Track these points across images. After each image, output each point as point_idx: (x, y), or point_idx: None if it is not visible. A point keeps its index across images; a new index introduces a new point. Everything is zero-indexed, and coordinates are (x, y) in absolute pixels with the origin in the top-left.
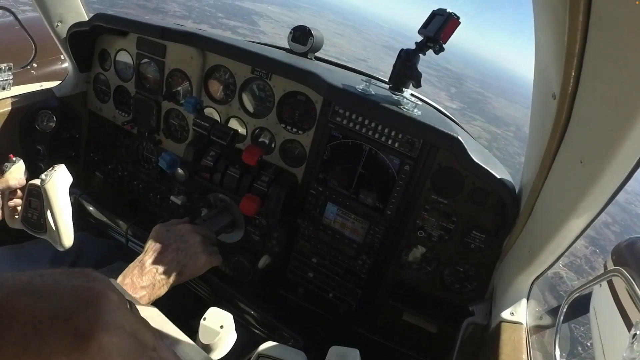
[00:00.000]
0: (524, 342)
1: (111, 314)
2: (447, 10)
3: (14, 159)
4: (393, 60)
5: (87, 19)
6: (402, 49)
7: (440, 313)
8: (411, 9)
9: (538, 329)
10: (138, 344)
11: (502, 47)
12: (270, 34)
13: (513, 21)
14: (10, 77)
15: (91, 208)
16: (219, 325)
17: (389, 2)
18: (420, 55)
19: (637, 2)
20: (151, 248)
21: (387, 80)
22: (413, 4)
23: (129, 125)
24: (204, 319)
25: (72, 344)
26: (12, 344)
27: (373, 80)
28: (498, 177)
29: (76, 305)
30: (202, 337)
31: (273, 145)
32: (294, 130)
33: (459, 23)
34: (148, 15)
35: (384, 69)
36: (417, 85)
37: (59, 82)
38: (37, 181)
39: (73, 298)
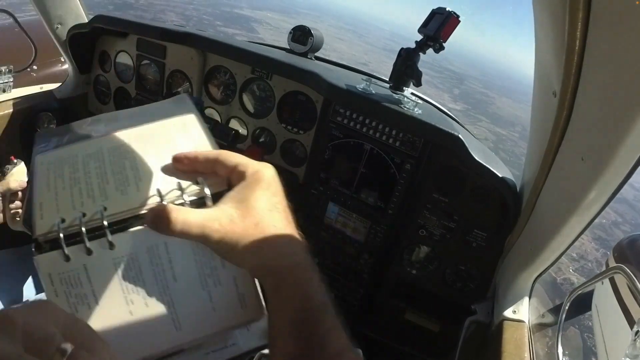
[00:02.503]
0: (527, 340)
1: None
2: (447, 9)
3: (15, 161)
4: None
5: (86, 20)
6: (402, 48)
7: (442, 312)
8: (411, 11)
9: (540, 327)
10: None
11: (504, 46)
12: (269, 40)
13: (514, 19)
14: (11, 80)
15: None
16: None
17: (389, 5)
18: (421, 54)
19: (638, 2)
20: None
21: (387, 79)
22: (413, 5)
23: None
24: None
25: None
26: None
27: (373, 80)
28: (499, 175)
29: None
30: None
31: (274, 145)
32: (295, 130)
33: (459, 21)
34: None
35: (386, 72)
36: (418, 84)
37: (60, 84)
38: None
39: None
